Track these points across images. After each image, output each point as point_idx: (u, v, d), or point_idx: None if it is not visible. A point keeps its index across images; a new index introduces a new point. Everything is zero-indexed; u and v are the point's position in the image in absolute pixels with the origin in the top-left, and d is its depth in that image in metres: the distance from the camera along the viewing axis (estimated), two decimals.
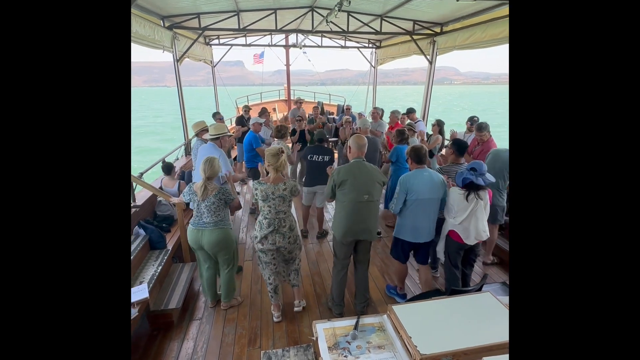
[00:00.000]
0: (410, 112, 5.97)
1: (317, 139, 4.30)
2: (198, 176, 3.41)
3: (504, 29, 4.65)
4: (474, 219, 2.65)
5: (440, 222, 2.86)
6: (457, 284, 2.83)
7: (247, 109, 7.28)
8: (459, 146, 3.15)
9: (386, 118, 6.24)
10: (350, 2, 4.56)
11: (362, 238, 2.75)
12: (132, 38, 4.26)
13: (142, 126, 36.36)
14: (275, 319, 2.89)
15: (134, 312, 2.44)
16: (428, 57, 6.82)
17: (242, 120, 6.79)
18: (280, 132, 4.28)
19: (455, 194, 2.67)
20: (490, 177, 2.63)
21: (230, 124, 9.41)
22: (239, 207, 2.97)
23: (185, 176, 4.92)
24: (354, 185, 2.63)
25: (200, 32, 6.49)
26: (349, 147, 2.82)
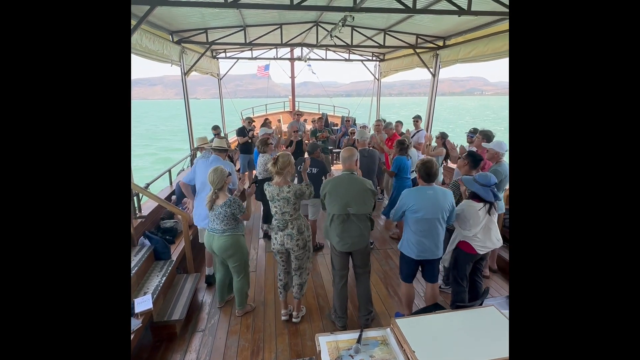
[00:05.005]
0: (417, 119, 6.06)
1: (308, 151, 4.31)
2: (202, 189, 3.43)
3: (504, 43, 4.73)
4: (486, 230, 2.65)
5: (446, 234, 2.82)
6: (463, 297, 2.79)
7: (250, 120, 7.17)
8: (473, 158, 3.06)
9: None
10: (354, 18, 4.64)
11: (348, 250, 2.76)
12: (142, 53, 4.39)
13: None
14: (282, 317, 3.02)
15: (138, 323, 2.45)
16: (431, 70, 6.90)
17: (243, 131, 6.78)
18: (259, 145, 4.41)
19: (472, 207, 2.61)
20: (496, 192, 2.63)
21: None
22: (246, 218, 3.01)
23: (177, 190, 4.80)
24: (337, 198, 2.68)
25: (208, 46, 6.63)
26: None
